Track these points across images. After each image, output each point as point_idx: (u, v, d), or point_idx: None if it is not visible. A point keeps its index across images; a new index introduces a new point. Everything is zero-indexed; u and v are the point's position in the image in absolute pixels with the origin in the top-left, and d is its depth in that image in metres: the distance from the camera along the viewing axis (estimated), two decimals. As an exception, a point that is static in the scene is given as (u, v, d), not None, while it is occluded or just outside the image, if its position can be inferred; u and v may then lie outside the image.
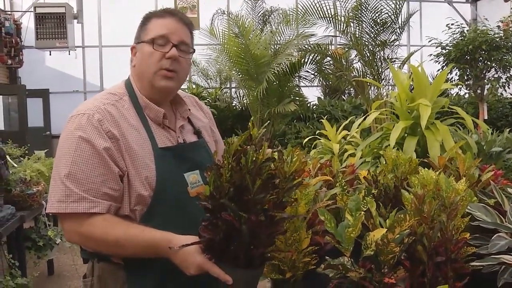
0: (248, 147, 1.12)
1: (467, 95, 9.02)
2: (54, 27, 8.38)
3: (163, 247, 1.22)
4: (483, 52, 6.58)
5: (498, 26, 7.32)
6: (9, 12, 9.20)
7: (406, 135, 2.56)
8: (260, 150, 1.11)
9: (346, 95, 10.28)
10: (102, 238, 1.28)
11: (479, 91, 7.22)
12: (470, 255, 1.30)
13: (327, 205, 1.50)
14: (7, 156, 3.86)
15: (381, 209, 1.41)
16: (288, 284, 1.34)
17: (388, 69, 5.94)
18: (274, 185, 1.14)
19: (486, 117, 7.21)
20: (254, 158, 1.10)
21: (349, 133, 3.43)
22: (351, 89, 9.77)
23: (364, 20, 5.93)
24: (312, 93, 10.14)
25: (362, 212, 1.28)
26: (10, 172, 3.57)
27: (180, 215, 1.20)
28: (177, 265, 1.22)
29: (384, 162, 1.82)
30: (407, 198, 1.38)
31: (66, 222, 1.31)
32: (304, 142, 4.75)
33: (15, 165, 4.04)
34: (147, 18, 1.45)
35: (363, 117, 3.07)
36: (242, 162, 1.10)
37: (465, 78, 6.89)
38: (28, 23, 9.20)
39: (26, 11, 9.33)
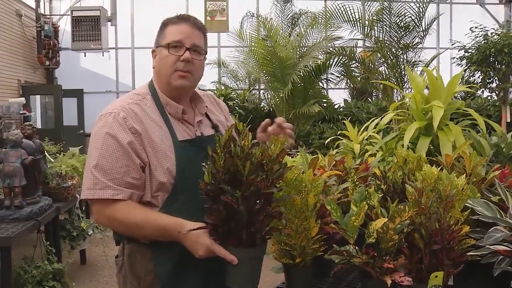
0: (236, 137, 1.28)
1: (492, 98, 8.88)
2: (89, 29, 8.73)
3: (175, 231, 1.37)
4: (506, 55, 6.52)
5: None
6: (48, 16, 9.61)
7: (420, 135, 2.64)
8: (245, 138, 1.27)
9: (373, 98, 10.28)
10: (123, 221, 1.45)
11: (501, 94, 7.14)
12: (470, 246, 1.39)
13: (339, 199, 1.62)
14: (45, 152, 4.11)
15: (388, 203, 1.51)
16: (298, 268, 1.45)
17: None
18: (262, 167, 1.27)
19: (509, 120, 7.09)
20: (241, 146, 1.25)
21: (370, 134, 3.51)
22: (378, 91, 9.76)
23: (387, 23, 5.96)
24: (340, 95, 10.18)
25: (365, 203, 1.39)
26: (48, 166, 3.82)
27: (199, 201, 1.32)
28: (187, 247, 1.35)
29: (395, 160, 1.90)
30: (410, 192, 1.48)
31: (94, 206, 1.50)
32: (326, 142, 4.84)
33: (52, 160, 4.31)
34: (164, 25, 1.59)
35: (380, 117, 3.16)
36: (232, 150, 1.25)
37: (488, 81, 6.79)
38: (65, 26, 9.59)
39: (63, 15, 9.71)
